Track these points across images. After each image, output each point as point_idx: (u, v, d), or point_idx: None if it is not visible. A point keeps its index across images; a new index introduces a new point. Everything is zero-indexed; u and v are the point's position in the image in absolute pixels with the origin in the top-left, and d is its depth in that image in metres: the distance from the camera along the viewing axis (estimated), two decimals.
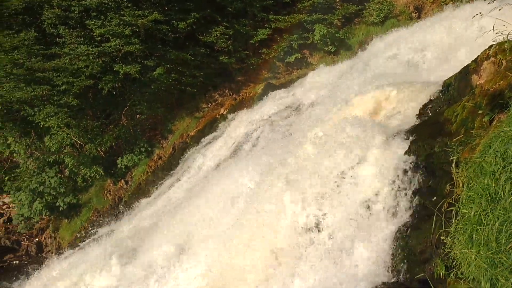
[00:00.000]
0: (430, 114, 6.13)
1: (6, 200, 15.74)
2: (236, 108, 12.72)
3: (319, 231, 5.59)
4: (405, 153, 5.30)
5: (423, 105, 6.26)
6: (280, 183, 6.02)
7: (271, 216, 5.89)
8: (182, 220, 7.97)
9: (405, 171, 5.14)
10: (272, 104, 11.43)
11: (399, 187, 5.09)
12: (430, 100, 6.20)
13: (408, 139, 5.64)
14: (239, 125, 11.50)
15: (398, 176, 5.14)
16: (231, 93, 14.34)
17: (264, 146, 8.79)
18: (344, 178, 5.48)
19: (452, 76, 6.20)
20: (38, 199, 12.60)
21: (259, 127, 10.34)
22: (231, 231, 6.45)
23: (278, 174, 6.17)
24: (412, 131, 5.83)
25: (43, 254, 13.15)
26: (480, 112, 4.76)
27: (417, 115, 6.14)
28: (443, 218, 3.73)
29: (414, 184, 5.16)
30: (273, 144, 8.25)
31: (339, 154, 5.60)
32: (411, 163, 5.16)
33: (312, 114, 8.58)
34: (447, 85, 6.24)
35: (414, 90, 6.36)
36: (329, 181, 5.54)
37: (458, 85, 5.96)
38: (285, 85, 13.33)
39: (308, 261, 5.42)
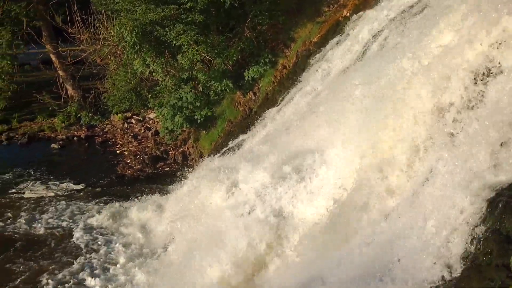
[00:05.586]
0: None
1: (152, 115, 17.65)
2: (360, 8, 11.94)
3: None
4: None
5: None
6: None
7: None
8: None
9: None
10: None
11: None
12: None
13: None
14: (365, 26, 10.85)
15: None
16: None
17: (395, 45, 8.25)
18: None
19: None
20: (178, 113, 13.85)
21: (387, 26, 9.65)
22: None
23: None
24: None
25: (188, 162, 14.75)
26: None
27: None
28: None
29: None
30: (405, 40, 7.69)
31: None
32: None
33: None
34: None
35: None
36: None
37: None
38: None
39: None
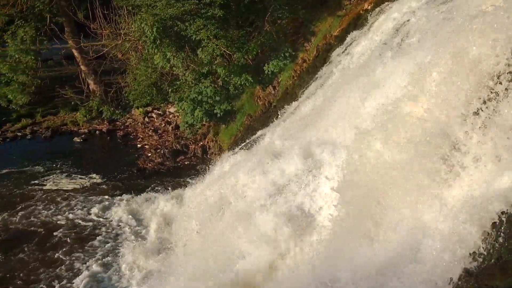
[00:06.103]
0: None
1: (172, 110, 17.77)
2: (382, 0, 11.75)
3: None
4: None
5: None
6: None
7: None
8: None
9: None
10: None
11: None
12: None
13: None
14: (387, 19, 10.66)
15: None
16: None
17: (419, 38, 8.08)
18: None
19: None
20: (198, 107, 13.93)
21: (410, 18, 9.45)
22: None
23: None
24: None
25: (208, 156, 14.84)
26: None
27: None
28: None
29: None
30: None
31: None
32: None
33: None
34: None
35: None
36: None
37: None
38: None
39: None
